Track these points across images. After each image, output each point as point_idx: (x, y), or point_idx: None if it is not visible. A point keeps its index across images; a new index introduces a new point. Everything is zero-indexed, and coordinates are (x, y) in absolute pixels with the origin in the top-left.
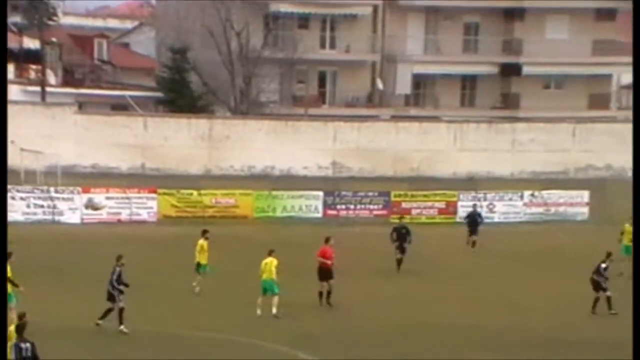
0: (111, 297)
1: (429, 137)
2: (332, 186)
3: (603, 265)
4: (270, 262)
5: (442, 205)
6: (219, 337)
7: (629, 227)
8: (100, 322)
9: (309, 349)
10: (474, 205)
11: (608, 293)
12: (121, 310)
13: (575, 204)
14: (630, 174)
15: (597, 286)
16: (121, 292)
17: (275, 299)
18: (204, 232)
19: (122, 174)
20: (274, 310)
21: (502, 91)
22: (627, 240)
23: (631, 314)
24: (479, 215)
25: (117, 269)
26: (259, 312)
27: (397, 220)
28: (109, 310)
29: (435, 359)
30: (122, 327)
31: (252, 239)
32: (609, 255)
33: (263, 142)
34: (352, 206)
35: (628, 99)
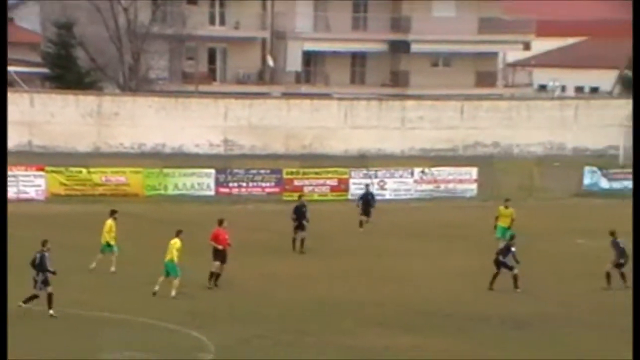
0: (36, 283)
1: (320, 115)
2: (224, 164)
3: (513, 249)
4: (173, 244)
5: (334, 182)
6: (111, 317)
7: (503, 210)
8: (23, 304)
9: (202, 327)
10: (367, 186)
11: (515, 271)
12: (49, 295)
13: (464, 180)
14: (516, 151)
15: (503, 266)
16: (46, 279)
17: (175, 282)
18: (113, 212)
19: (8, 152)
20: (173, 293)
21: (391, 69)
22: (502, 222)
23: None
24: (372, 195)
25: (46, 254)
26: (156, 288)
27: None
28: (34, 297)
29: (329, 334)
30: (51, 311)
31: (144, 217)
32: (512, 237)
33: (153, 119)
34: (244, 184)
35: (514, 76)
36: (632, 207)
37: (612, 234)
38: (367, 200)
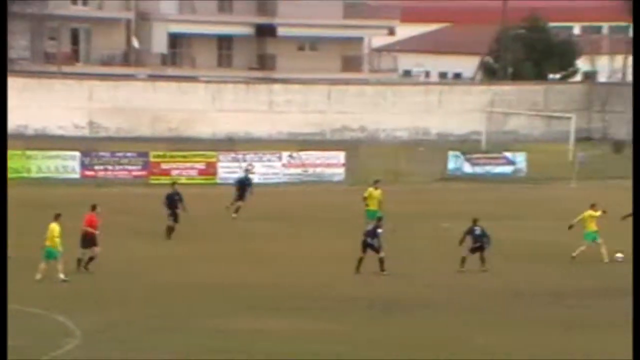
0: None
1: (187, 97)
2: (89, 146)
3: (380, 230)
4: (52, 229)
5: (202, 166)
6: None
7: (373, 191)
8: None
9: (68, 311)
10: (246, 170)
11: (382, 254)
12: None
13: (332, 164)
14: (382, 135)
15: (371, 248)
16: None
17: (59, 265)
18: None
19: None
20: (62, 276)
21: (258, 52)
22: (372, 204)
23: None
24: (249, 180)
25: None
26: (38, 276)
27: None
28: None
29: (198, 318)
30: None
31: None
32: (380, 219)
33: (15, 100)
34: (110, 167)
35: (379, 61)
36: (632, 205)
37: (474, 221)
38: (243, 185)
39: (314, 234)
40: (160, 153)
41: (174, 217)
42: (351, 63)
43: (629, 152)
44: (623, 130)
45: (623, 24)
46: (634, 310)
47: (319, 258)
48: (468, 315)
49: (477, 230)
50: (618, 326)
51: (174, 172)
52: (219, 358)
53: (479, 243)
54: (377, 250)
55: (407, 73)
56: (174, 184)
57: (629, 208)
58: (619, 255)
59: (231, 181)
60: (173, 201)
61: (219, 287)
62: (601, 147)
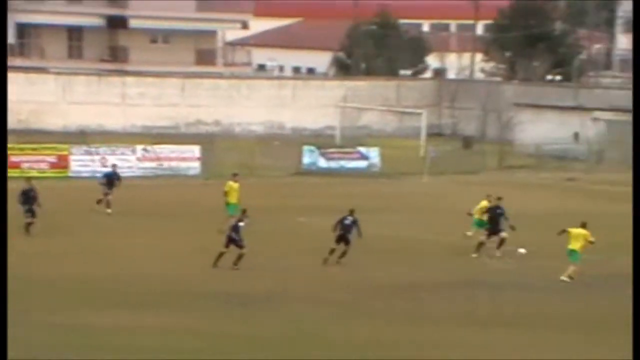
0: None
1: (36, 89)
2: None
3: (241, 224)
4: None
5: (53, 159)
6: None
7: (234, 184)
8: None
9: None
10: (114, 166)
11: (244, 250)
12: None
13: (187, 158)
14: (237, 129)
15: (234, 243)
16: None
17: None
18: None
19: None
20: None
21: (110, 44)
22: (232, 198)
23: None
24: (117, 174)
25: None
26: None
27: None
28: None
29: (42, 313)
30: None
31: None
32: (244, 212)
33: None
34: None
35: (233, 55)
36: (632, 206)
37: (351, 212)
38: (111, 179)
39: (170, 228)
40: (9, 145)
41: (31, 213)
42: (205, 56)
43: (477, 147)
44: (472, 126)
45: (470, 22)
46: (634, 310)
47: (175, 252)
48: (324, 308)
49: (347, 220)
50: (472, 318)
51: (25, 165)
52: (59, 353)
53: (343, 232)
54: (240, 245)
55: (261, 67)
56: (29, 179)
57: (476, 201)
58: (521, 250)
59: (84, 174)
60: (29, 197)
61: (67, 281)
62: (451, 142)
